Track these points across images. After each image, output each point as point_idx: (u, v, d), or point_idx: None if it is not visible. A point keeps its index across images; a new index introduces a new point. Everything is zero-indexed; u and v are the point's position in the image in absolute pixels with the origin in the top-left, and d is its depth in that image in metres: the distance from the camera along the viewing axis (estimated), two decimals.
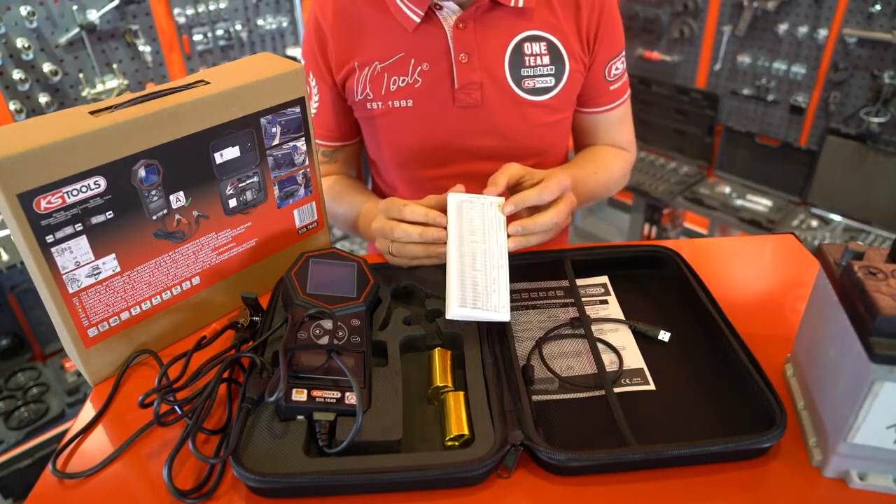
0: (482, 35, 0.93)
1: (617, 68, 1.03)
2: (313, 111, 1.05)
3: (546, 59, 0.95)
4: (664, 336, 0.79)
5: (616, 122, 1.09)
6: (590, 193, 1.03)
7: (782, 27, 2.67)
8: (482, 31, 0.93)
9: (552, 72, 0.96)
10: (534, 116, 0.98)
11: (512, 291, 0.87)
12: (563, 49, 0.96)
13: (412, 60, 0.94)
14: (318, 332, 0.70)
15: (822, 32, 2.58)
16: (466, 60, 0.93)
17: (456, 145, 0.99)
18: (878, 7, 2.40)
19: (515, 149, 1.00)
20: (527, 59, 0.95)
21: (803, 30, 2.63)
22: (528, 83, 0.96)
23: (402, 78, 0.95)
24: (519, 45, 0.94)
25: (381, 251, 0.87)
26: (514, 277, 0.89)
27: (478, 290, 0.74)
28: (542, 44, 0.95)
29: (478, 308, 0.73)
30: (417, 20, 0.91)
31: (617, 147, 1.11)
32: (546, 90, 0.96)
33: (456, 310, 0.72)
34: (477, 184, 1.03)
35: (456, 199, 0.80)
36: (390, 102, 0.96)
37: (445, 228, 0.78)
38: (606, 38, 0.99)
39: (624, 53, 1.04)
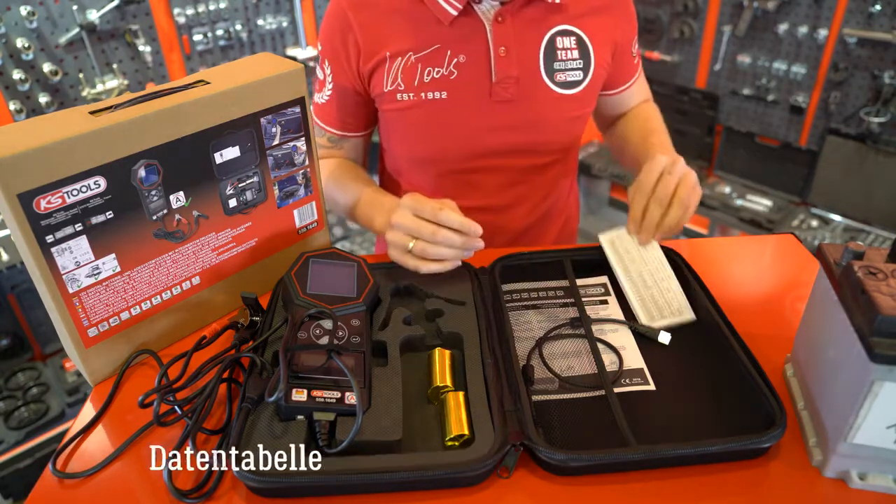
0: (520, 29, 0.94)
1: (636, 44, 1.09)
2: (325, 98, 1.04)
3: (575, 53, 0.97)
4: (664, 338, 0.79)
5: (639, 88, 1.15)
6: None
7: (782, 27, 2.67)
8: (520, 24, 0.94)
9: (580, 66, 0.98)
10: (565, 110, 0.99)
11: (512, 291, 0.88)
12: (589, 43, 0.98)
13: (448, 52, 0.94)
14: (318, 332, 0.70)
15: (822, 32, 2.57)
16: (505, 54, 0.93)
17: (487, 139, 0.98)
18: (878, 7, 2.40)
19: (546, 143, 1.01)
20: (559, 52, 0.96)
21: (803, 30, 2.62)
22: (560, 77, 0.97)
23: (437, 69, 0.94)
24: (552, 39, 0.96)
25: (394, 244, 0.83)
26: (514, 277, 0.89)
27: (659, 304, 0.81)
28: (573, 38, 0.96)
29: (665, 318, 0.80)
30: (455, 13, 0.91)
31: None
32: (576, 84, 0.98)
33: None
34: (505, 178, 1.03)
35: (607, 237, 0.89)
36: (423, 94, 0.95)
37: (481, 237, 0.81)
38: (629, 23, 1.04)
39: None
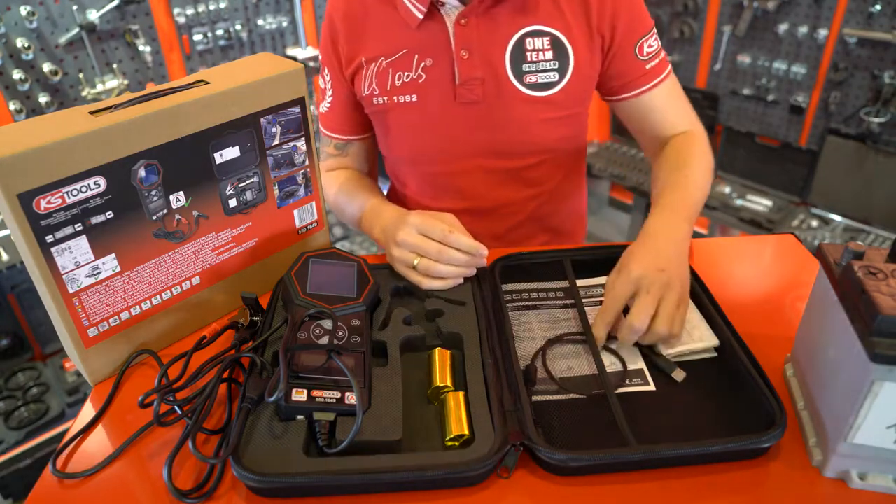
0: (484, 31, 0.93)
1: (650, 45, 0.98)
2: (327, 106, 1.07)
3: (549, 55, 0.94)
4: (679, 375, 0.74)
5: (666, 101, 1.03)
6: (696, 202, 0.96)
7: (782, 27, 2.67)
8: (484, 26, 0.93)
9: (555, 67, 0.95)
10: (536, 112, 0.97)
11: (512, 291, 0.88)
12: (567, 43, 0.94)
13: (416, 56, 0.95)
14: (318, 332, 0.70)
15: (822, 32, 2.57)
16: (468, 56, 0.93)
17: (459, 141, 0.99)
18: (878, 7, 2.40)
19: (519, 144, 1.00)
20: (528, 54, 0.94)
21: (803, 30, 2.62)
22: (531, 78, 0.95)
23: (406, 73, 0.95)
24: (521, 41, 0.94)
25: (399, 260, 0.85)
26: (514, 278, 0.89)
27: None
28: (545, 38, 0.94)
29: (684, 344, 0.75)
30: (420, 16, 0.92)
31: (678, 133, 1.05)
32: (549, 85, 0.96)
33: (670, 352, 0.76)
34: (485, 179, 1.03)
35: None
36: (395, 97, 0.97)
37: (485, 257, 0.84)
38: (626, 20, 0.95)
39: (654, 32, 0.99)
